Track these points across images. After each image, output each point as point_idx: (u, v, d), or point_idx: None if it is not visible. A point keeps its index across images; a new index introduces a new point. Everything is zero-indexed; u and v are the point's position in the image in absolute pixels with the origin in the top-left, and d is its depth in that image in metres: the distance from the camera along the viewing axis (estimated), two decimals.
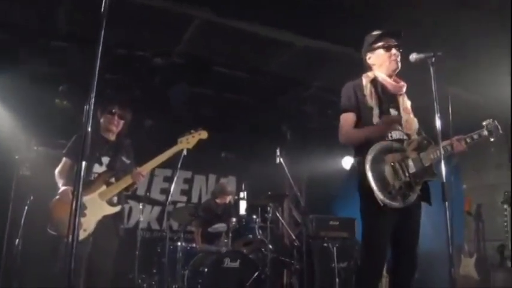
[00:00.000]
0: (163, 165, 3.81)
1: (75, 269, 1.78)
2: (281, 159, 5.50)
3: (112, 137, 3.85)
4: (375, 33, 3.07)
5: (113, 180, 3.64)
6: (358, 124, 2.96)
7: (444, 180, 2.58)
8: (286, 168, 5.52)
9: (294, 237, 6.15)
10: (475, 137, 2.98)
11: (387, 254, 2.86)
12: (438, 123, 2.69)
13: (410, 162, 2.81)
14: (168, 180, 7.39)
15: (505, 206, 5.74)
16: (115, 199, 3.65)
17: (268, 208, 5.67)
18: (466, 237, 6.23)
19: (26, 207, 5.13)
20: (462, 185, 6.86)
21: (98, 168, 3.66)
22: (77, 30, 4.85)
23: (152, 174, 7.32)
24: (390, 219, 2.78)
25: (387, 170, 2.76)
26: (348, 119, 2.95)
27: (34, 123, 5.89)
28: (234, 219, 5.43)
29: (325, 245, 5.94)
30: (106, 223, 3.50)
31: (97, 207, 3.48)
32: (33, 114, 5.84)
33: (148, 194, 7.19)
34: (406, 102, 3.07)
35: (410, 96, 3.11)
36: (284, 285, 6.18)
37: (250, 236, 5.55)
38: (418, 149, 2.88)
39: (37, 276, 5.07)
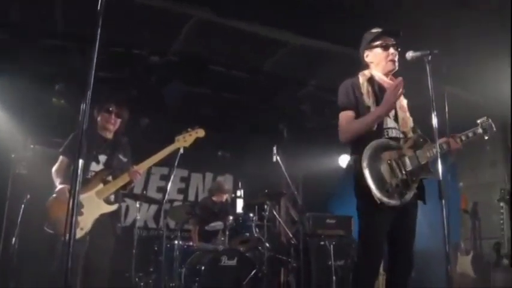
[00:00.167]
0: (160, 163, 3.81)
1: (72, 268, 1.78)
2: (278, 158, 5.50)
3: (109, 136, 3.86)
4: (374, 31, 3.06)
5: (110, 178, 3.65)
6: None
7: (441, 178, 2.58)
8: (283, 167, 5.51)
9: (290, 235, 6.15)
10: (470, 135, 2.99)
11: (384, 252, 2.87)
12: (435, 121, 2.69)
13: (407, 160, 2.81)
14: (165, 178, 7.38)
15: (501, 204, 5.75)
16: (112, 197, 3.65)
17: (265, 206, 5.67)
18: (463, 235, 6.24)
19: (23, 206, 5.12)
20: (458, 183, 6.88)
21: (95, 167, 3.66)
22: (73, 29, 4.84)
23: (149, 172, 7.32)
24: (387, 217, 2.78)
25: (384, 168, 2.76)
26: (347, 116, 2.92)
27: (30, 121, 5.88)
28: (231, 218, 5.43)
29: (322, 243, 5.95)
30: (103, 221, 3.50)
31: (94, 206, 3.48)
32: (30, 113, 5.83)
33: (145, 192, 7.20)
34: (402, 101, 3.07)
35: (407, 94, 3.11)
36: (281, 283, 6.19)
37: (247, 234, 5.55)
38: (414, 147, 2.88)
39: (34, 275, 5.07)
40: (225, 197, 6.36)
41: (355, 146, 2.89)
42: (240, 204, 6.62)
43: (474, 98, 5.75)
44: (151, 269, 5.29)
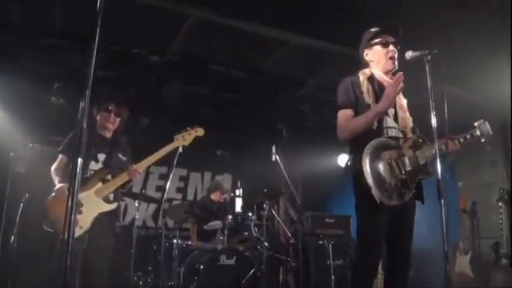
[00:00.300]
0: (159, 162, 3.80)
1: (70, 267, 1.78)
2: (277, 157, 5.50)
3: (108, 135, 3.86)
4: (373, 29, 3.07)
5: (109, 177, 3.65)
6: None
7: (440, 178, 2.58)
8: (282, 166, 5.52)
9: (289, 234, 6.15)
10: (468, 136, 2.99)
11: (382, 251, 2.87)
12: (434, 121, 2.69)
13: (407, 160, 2.81)
14: (164, 177, 7.39)
15: (500, 204, 5.76)
16: (111, 196, 3.65)
17: (264, 206, 5.68)
18: (461, 234, 6.25)
19: (22, 205, 5.10)
20: (457, 182, 6.89)
21: (94, 166, 3.66)
22: (73, 29, 4.83)
23: (148, 171, 7.31)
24: (386, 216, 2.78)
25: (383, 167, 2.75)
26: (346, 115, 2.92)
27: (30, 120, 5.88)
28: (229, 217, 5.43)
29: (321, 242, 5.96)
30: (102, 220, 3.50)
31: (93, 205, 3.48)
32: (29, 112, 5.82)
33: (143, 191, 7.20)
34: (401, 100, 3.08)
35: (406, 94, 3.11)
36: (280, 282, 6.19)
37: (246, 233, 5.55)
38: (413, 147, 2.88)
39: (33, 273, 5.06)
40: (224, 196, 6.36)
41: (354, 145, 2.89)
42: (239, 204, 6.61)
43: (474, 98, 5.75)
44: (150, 268, 5.29)
